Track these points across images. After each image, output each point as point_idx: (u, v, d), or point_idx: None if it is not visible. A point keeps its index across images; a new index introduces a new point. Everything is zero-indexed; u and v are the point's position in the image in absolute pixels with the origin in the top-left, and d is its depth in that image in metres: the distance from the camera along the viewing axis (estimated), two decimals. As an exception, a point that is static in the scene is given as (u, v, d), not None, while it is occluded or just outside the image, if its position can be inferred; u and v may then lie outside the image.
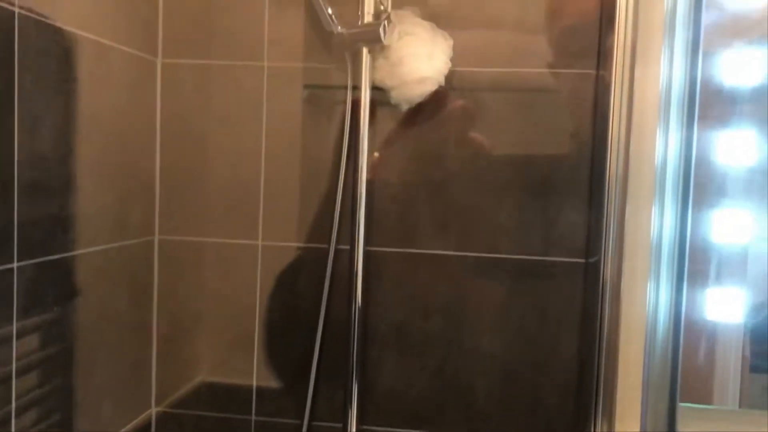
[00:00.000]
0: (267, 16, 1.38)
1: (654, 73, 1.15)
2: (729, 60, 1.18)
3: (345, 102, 1.34)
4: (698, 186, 1.14)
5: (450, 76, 1.30)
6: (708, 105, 1.16)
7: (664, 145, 1.15)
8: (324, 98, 1.40)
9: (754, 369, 1.13)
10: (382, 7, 1.28)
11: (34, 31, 1.00)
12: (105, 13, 1.21)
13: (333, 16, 1.28)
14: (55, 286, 1.10)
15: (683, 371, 1.11)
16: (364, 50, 1.27)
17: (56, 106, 1.08)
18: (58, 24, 1.07)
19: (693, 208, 1.13)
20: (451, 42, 1.28)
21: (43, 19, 1.03)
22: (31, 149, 1.01)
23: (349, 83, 1.32)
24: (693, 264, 1.12)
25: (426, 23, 1.28)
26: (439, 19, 1.33)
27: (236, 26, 1.39)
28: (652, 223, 1.14)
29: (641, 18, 1.21)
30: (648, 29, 1.18)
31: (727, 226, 1.15)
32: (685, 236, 1.13)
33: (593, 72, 1.31)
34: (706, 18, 1.15)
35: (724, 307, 1.14)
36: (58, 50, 1.07)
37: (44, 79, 1.04)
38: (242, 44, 1.39)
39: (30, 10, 0.99)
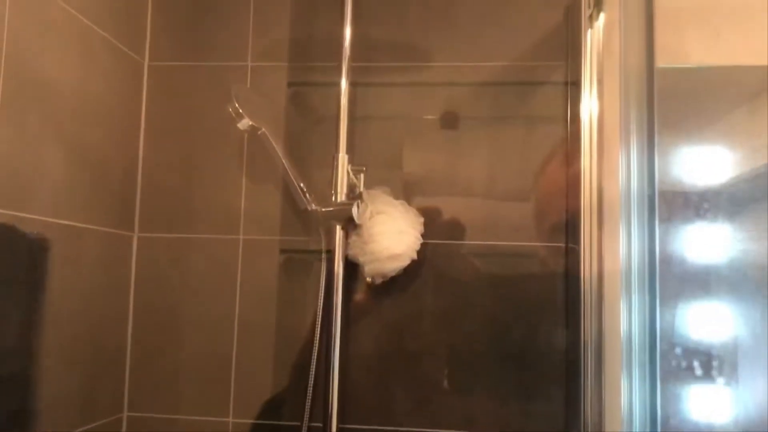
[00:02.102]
0: (244, 191, 1.41)
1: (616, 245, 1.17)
2: (687, 235, 1.21)
3: (320, 273, 1.35)
4: (664, 358, 1.13)
5: (423, 247, 1.32)
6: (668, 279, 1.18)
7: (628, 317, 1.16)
8: (299, 265, 1.41)
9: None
10: (355, 188, 1.32)
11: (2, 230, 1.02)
12: (80, 198, 1.24)
13: (307, 194, 1.32)
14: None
15: None
16: (338, 227, 1.30)
17: (23, 300, 1.08)
18: (32, 215, 1.09)
19: (661, 380, 1.12)
20: (422, 219, 1.31)
21: (11, 214, 1.05)
22: (-4, 342, 1.00)
23: (324, 257, 1.33)
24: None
25: (397, 202, 1.32)
26: (412, 188, 1.38)
27: (213, 201, 1.42)
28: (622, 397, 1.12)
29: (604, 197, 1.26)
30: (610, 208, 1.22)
31: (696, 402, 1.14)
32: (656, 407, 1.12)
33: (563, 245, 1.34)
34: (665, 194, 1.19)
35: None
36: (26, 244, 1.08)
37: (10, 277, 1.04)
38: (219, 219, 1.41)
39: None
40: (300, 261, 1.41)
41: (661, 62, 1.30)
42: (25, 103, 1.08)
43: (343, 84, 1.32)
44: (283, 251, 1.42)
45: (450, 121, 1.43)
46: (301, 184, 1.32)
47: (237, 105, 1.22)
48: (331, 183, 1.31)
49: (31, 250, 1.08)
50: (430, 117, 1.44)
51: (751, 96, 1.31)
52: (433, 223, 1.37)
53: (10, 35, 1.04)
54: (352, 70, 1.35)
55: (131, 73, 1.41)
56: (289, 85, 1.46)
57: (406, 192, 1.40)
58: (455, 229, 1.38)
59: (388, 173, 1.41)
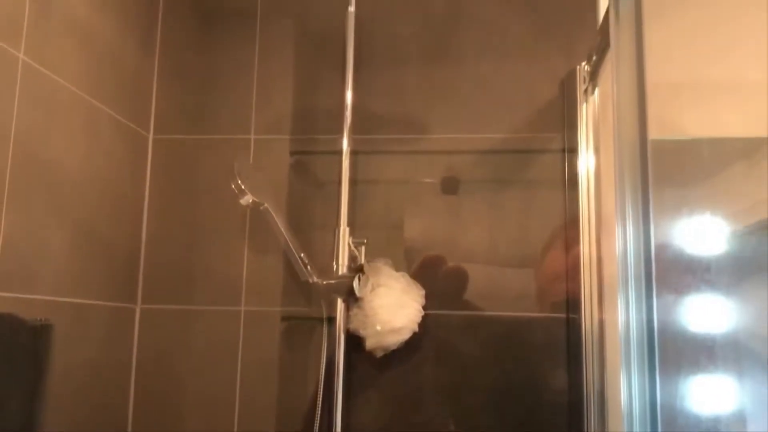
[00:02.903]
0: (246, 262, 1.43)
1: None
2: (685, 304, 1.22)
3: (321, 340, 1.35)
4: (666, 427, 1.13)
5: (424, 318, 1.33)
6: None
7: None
8: (301, 333, 1.41)
9: None
10: (357, 259, 1.33)
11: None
12: (83, 275, 1.25)
13: (308, 266, 1.33)
14: None
15: None
16: (339, 300, 1.30)
17: (25, 383, 1.08)
18: (36, 296, 1.10)
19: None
20: (423, 291, 1.32)
21: (15, 297, 1.06)
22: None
23: (325, 330, 1.34)
24: None
25: (398, 274, 1.33)
26: (413, 254, 1.39)
27: (216, 272, 1.43)
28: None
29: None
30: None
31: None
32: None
33: (564, 315, 1.34)
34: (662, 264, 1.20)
35: None
36: (29, 328, 1.08)
37: (12, 361, 1.04)
38: (221, 290, 1.42)
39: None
40: (301, 328, 1.41)
41: (657, 134, 1.33)
42: (31, 185, 1.10)
43: (345, 164, 1.36)
44: (284, 318, 1.42)
45: (450, 186, 1.45)
46: (302, 255, 1.33)
47: (239, 181, 1.24)
48: (333, 252, 1.32)
49: (34, 333, 1.08)
50: (430, 180, 1.46)
51: (748, 165, 1.33)
52: (437, 271, 1.38)
53: (19, 120, 1.06)
54: (353, 141, 1.38)
55: (136, 147, 1.44)
56: (292, 154, 1.49)
57: (407, 258, 1.41)
58: (459, 277, 1.39)
59: (389, 239, 1.43)
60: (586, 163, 1.37)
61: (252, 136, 1.48)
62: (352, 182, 1.40)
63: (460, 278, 1.38)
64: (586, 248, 1.34)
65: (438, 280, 1.38)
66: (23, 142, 1.07)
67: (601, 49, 1.27)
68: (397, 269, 1.38)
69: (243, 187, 1.25)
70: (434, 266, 1.38)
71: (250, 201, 1.26)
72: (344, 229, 1.31)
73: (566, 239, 1.38)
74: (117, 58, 1.36)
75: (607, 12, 1.06)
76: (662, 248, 1.16)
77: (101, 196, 1.30)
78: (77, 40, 1.23)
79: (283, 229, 1.31)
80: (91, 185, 1.27)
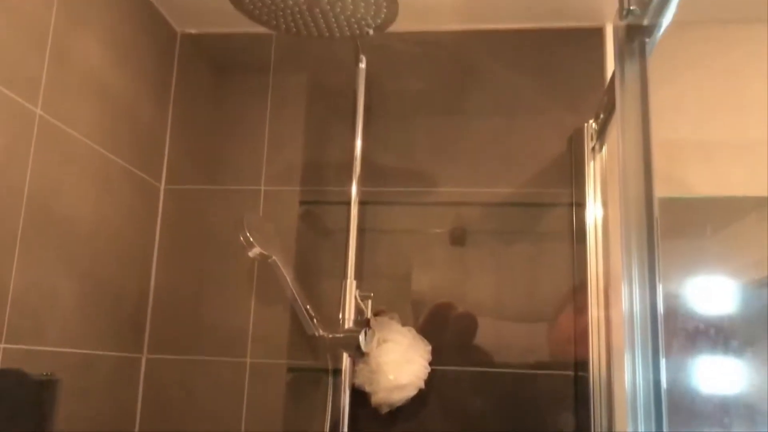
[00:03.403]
0: (252, 314, 1.43)
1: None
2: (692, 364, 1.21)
3: (326, 393, 1.34)
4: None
5: (431, 374, 1.32)
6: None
7: None
8: (306, 385, 1.40)
9: None
10: (363, 313, 1.33)
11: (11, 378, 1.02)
12: (91, 325, 1.26)
13: (315, 319, 1.33)
14: None
15: None
16: (345, 355, 1.30)
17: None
18: (43, 347, 1.10)
19: None
20: (429, 347, 1.31)
21: (24, 348, 1.06)
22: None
23: (330, 384, 1.33)
24: None
25: (405, 329, 1.32)
26: (420, 307, 1.39)
27: (222, 323, 1.43)
28: None
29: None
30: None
31: None
32: None
33: (572, 373, 1.33)
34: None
35: None
36: (35, 382, 1.08)
37: (17, 415, 1.03)
38: (227, 341, 1.42)
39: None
40: (307, 381, 1.41)
41: (664, 193, 1.33)
42: (43, 237, 1.11)
43: (353, 214, 1.36)
44: (290, 370, 1.41)
45: (458, 237, 1.46)
46: (308, 307, 1.33)
47: (248, 234, 1.25)
48: (339, 302, 1.32)
49: (39, 388, 1.08)
50: (438, 231, 1.46)
51: (753, 223, 1.33)
52: (448, 317, 1.38)
53: (33, 173, 1.08)
54: (362, 192, 1.39)
55: (147, 197, 1.46)
56: (301, 203, 1.50)
57: (414, 310, 1.41)
58: (468, 322, 1.38)
59: (396, 290, 1.43)
60: (594, 218, 1.37)
61: (262, 187, 1.50)
62: (360, 231, 1.41)
63: (469, 324, 1.38)
64: (594, 303, 1.34)
65: (448, 325, 1.38)
66: (37, 194, 1.09)
67: (608, 108, 1.28)
68: (404, 321, 1.38)
69: (251, 239, 1.26)
70: (444, 312, 1.38)
71: (258, 253, 1.27)
72: (351, 282, 1.32)
73: (575, 296, 1.37)
74: (131, 111, 1.39)
75: (613, 73, 1.08)
76: (669, 307, 1.15)
77: (111, 246, 1.32)
78: (93, 94, 1.26)
79: (290, 282, 1.31)
80: (101, 235, 1.28)
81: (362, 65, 1.41)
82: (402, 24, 1.13)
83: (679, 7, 0.91)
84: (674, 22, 0.94)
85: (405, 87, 1.52)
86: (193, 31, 1.58)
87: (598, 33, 1.48)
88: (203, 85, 1.56)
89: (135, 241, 1.41)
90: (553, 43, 1.49)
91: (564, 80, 1.47)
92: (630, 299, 1.18)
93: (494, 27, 1.51)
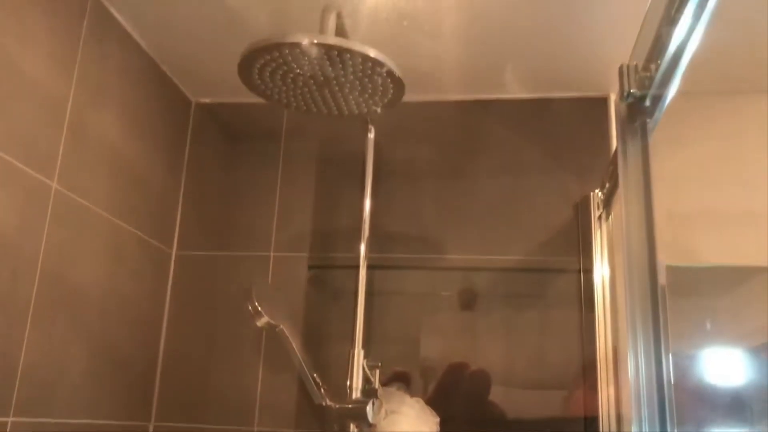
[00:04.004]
0: (260, 382, 1.43)
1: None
2: None
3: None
4: None
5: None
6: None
7: None
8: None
9: None
10: (371, 383, 1.32)
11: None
12: (100, 395, 1.26)
13: (322, 389, 1.32)
14: None
15: None
16: (352, 425, 1.29)
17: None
18: (51, 419, 1.11)
19: None
20: (437, 419, 1.30)
21: (31, 421, 1.07)
22: None
23: (338, 455, 1.32)
24: None
25: (412, 400, 1.31)
26: (429, 373, 1.39)
27: (229, 391, 1.43)
28: None
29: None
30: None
31: None
32: None
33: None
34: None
35: None
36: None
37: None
38: (234, 410, 1.42)
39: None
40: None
41: (671, 261, 1.34)
42: (55, 308, 1.13)
43: (362, 279, 1.36)
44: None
45: (468, 301, 1.46)
46: (316, 376, 1.33)
47: (256, 304, 1.26)
48: (347, 371, 1.32)
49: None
50: (446, 294, 1.47)
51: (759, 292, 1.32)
52: (461, 377, 1.38)
53: (47, 245, 1.11)
54: (370, 258, 1.40)
55: (158, 263, 1.48)
56: (310, 268, 1.51)
57: (424, 376, 1.41)
58: (483, 379, 1.38)
59: (404, 356, 1.43)
60: (602, 285, 1.38)
61: (271, 253, 1.51)
62: (369, 294, 1.41)
63: (483, 380, 1.39)
64: (603, 370, 1.33)
65: (462, 384, 1.38)
66: (50, 265, 1.11)
67: (613, 178, 1.30)
68: (414, 387, 1.37)
69: (260, 309, 1.26)
70: (458, 371, 1.38)
71: (266, 323, 1.27)
72: (359, 352, 1.31)
73: (584, 364, 1.37)
74: (145, 179, 1.42)
75: (616, 149, 1.09)
76: (677, 375, 1.15)
77: (122, 314, 1.33)
78: (108, 165, 1.29)
79: (297, 351, 1.31)
80: (112, 304, 1.30)
81: (371, 135, 1.44)
82: (409, 95, 1.16)
83: (681, 81, 0.94)
84: (678, 92, 0.96)
85: (413, 155, 1.54)
86: (207, 100, 1.63)
87: (602, 102, 1.51)
88: (216, 152, 1.60)
89: (145, 307, 1.42)
90: (558, 111, 1.52)
91: (570, 148, 1.50)
92: (636, 369, 1.18)
93: (499, 97, 1.54)
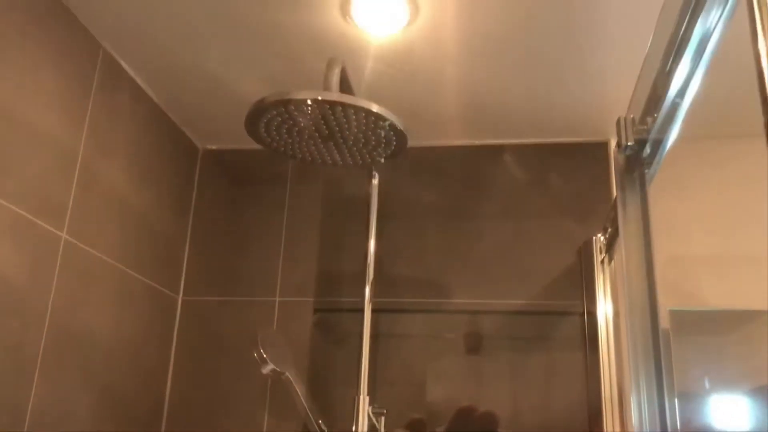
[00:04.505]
0: (266, 429, 1.43)
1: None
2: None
3: None
4: None
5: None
6: None
7: None
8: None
9: None
10: (376, 428, 1.32)
11: None
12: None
13: (326, 433, 1.32)
14: None
15: None
16: (357, 473, 1.28)
17: None
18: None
19: None
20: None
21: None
22: None
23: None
24: None
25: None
26: (436, 417, 1.38)
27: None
28: None
29: None
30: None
31: None
32: None
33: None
34: None
35: None
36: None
37: None
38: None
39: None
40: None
41: (674, 305, 1.35)
42: (63, 356, 1.14)
43: (366, 324, 1.37)
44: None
45: (472, 345, 1.46)
46: (321, 422, 1.33)
47: (262, 351, 1.27)
48: (352, 416, 1.31)
49: None
50: (451, 336, 1.47)
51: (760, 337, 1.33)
52: (470, 420, 1.38)
53: (56, 294, 1.12)
54: (375, 302, 1.41)
55: (165, 309, 1.49)
56: (315, 311, 1.52)
57: (429, 421, 1.40)
58: (491, 420, 1.38)
59: (409, 401, 1.43)
60: (605, 327, 1.38)
61: (277, 299, 1.52)
62: (374, 337, 1.42)
63: (491, 422, 1.39)
64: (608, 411, 1.33)
65: (471, 425, 1.38)
66: (59, 314, 1.13)
67: (615, 223, 1.31)
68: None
69: (265, 356, 1.27)
70: (467, 414, 1.39)
71: (271, 370, 1.28)
72: (364, 398, 1.31)
73: (589, 406, 1.36)
74: (153, 226, 1.44)
75: (616, 197, 1.11)
76: (682, 417, 1.14)
77: (129, 360, 1.34)
78: (116, 213, 1.31)
79: (302, 398, 1.31)
80: (119, 349, 1.31)
81: (375, 181, 1.46)
82: (413, 140, 1.17)
83: (680, 127, 0.95)
84: (677, 138, 0.97)
85: (417, 199, 1.56)
86: (214, 147, 1.66)
87: (603, 147, 1.53)
88: (222, 198, 1.62)
89: (151, 353, 1.43)
90: (559, 156, 1.54)
91: (572, 192, 1.51)
92: (639, 414, 1.18)
93: (502, 142, 1.56)
